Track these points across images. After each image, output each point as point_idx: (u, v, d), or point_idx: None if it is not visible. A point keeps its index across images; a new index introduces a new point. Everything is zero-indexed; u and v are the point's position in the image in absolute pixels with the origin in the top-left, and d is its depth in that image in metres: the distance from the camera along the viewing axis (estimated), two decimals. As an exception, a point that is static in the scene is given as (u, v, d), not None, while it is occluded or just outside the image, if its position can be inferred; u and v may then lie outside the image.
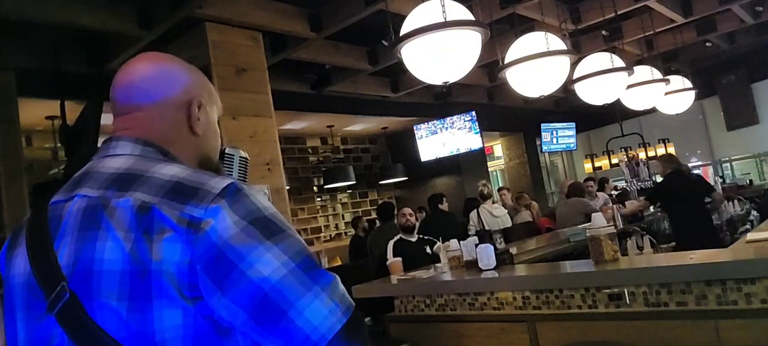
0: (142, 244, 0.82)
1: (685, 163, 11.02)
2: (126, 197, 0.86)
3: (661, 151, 9.78)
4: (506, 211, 6.96)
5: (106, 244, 0.84)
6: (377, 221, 7.51)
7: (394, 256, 4.27)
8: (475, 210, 6.79)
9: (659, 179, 6.33)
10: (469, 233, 6.71)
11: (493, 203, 6.98)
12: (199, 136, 1.04)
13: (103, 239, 0.84)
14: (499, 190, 8.13)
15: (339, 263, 7.55)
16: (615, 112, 7.54)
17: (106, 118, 5.89)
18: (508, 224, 6.74)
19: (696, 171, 11.36)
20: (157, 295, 0.82)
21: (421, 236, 4.67)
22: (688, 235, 4.99)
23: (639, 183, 8.21)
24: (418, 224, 5.34)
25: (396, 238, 4.53)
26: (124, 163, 0.93)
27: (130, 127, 1.00)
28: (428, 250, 4.50)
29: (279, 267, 0.82)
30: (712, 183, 6.32)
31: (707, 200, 5.48)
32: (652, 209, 6.17)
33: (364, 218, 8.16)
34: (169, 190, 0.86)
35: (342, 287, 0.89)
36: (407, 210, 4.76)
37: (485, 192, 6.82)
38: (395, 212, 6.08)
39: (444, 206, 6.50)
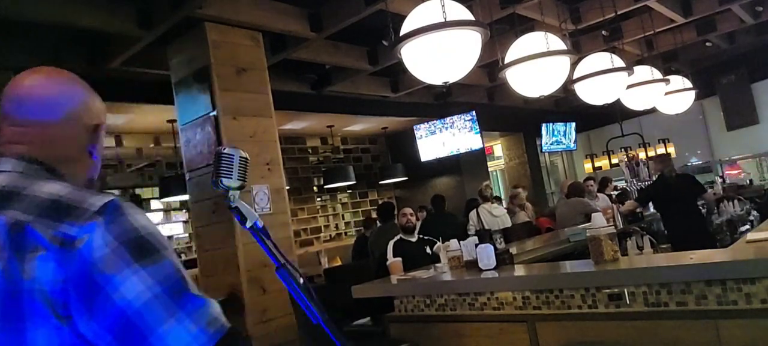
0: (13, 263, 0.81)
1: (685, 163, 11.07)
2: (0, 216, 0.85)
3: (661, 151, 9.79)
4: (505, 210, 6.97)
5: None
6: (377, 221, 7.51)
7: (394, 256, 4.27)
8: (475, 210, 6.80)
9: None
10: (469, 233, 6.72)
11: (493, 203, 6.98)
12: (96, 160, 1.03)
13: None
14: (514, 188, 8.11)
15: (339, 262, 7.55)
16: (615, 112, 7.55)
17: (106, 118, 5.85)
18: (509, 223, 6.75)
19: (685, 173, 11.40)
20: (30, 315, 0.80)
21: (421, 236, 4.67)
22: (680, 235, 4.99)
23: (639, 183, 8.22)
24: (419, 224, 5.34)
25: (396, 238, 4.53)
26: (4, 180, 0.91)
27: (19, 142, 0.97)
28: (428, 250, 4.50)
29: (143, 291, 0.81)
30: (713, 183, 6.32)
31: (700, 201, 5.48)
32: (651, 208, 6.17)
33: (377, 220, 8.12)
34: (45, 208, 0.85)
35: (213, 311, 0.87)
36: (408, 210, 4.75)
37: (487, 194, 6.83)
38: (396, 212, 6.09)
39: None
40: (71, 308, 0.80)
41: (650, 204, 6.00)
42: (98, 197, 0.87)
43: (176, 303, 0.83)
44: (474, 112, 8.93)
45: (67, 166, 0.98)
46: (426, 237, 4.69)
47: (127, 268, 0.81)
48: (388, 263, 4.22)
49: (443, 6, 3.05)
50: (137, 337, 0.80)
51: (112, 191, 7.90)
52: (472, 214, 6.85)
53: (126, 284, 0.80)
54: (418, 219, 5.51)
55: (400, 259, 4.06)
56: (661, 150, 9.81)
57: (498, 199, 8.01)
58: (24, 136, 0.97)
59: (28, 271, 0.80)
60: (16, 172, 0.93)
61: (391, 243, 4.44)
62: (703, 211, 5.54)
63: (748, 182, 8.55)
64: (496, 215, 6.65)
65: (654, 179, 5.66)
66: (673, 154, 10.00)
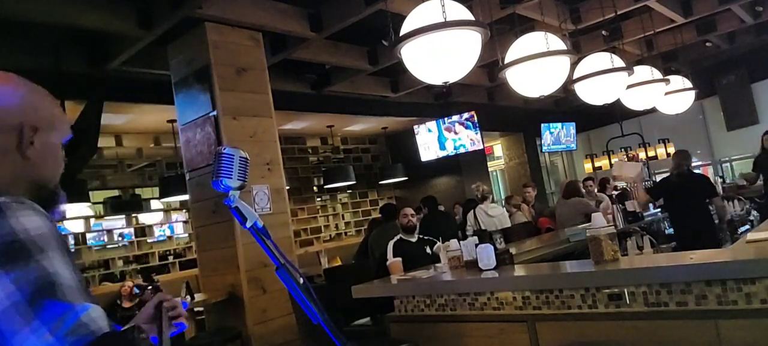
0: None
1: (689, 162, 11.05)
2: None
3: (660, 151, 9.79)
4: (504, 210, 6.94)
5: None
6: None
7: (395, 256, 4.26)
8: (472, 211, 6.78)
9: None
10: (467, 234, 6.71)
11: (492, 202, 6.95)
12: (30, 160, 1.00)
13: None
14: (524, 186, 8.07)
15: (339, 262, 7.55)
16: (615, 112, 7.55)
17: (106, 118, 5.90)
18: (507, 223, 6.73)
19: (697, 171, 11.40)
20: None
21: (421, 236, 4.66)
22: (688, 235, 4.97)
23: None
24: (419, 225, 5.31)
25: (396, 238, 4.52)
26: None
27: None
28: (428, 250, 4.50)
29: (2, 298, 0.79)
30: (712, 183, 6.27)
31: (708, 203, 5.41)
32: (652, 208, 6.17)
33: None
34: None
35: (84, 317, 0.82)
36: (408, 210, 4.75)
37: (478, 196, 6.79)
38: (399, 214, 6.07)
39: (441, 207, 6.51)
40: None
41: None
42: None
43: (34, 311, 0.79)
44: (474, 112, 8.93)
45: None
46: (426, 237, 4.69)
47: None
48: (388, 263, 4.22)
49: (443, 6, 3.05)
50: None
51: (113, 190, 7.95)
52: (469, 215, 6.85)
53: None
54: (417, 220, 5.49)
55: (400, 259, 4.06)
56: (661, 150, 9.82)
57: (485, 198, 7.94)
58: None
59: None
60: None
61: (391, 243, 4.43)
62: (713, 213, 5.46)
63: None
64: (492, 214, 6.62)
65: (673, 173, 5.52)
66: (673, 154, 10.01)
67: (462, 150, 9.07)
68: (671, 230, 5.91)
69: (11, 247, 0.82)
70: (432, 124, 9.26)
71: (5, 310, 0.78)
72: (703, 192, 5.31)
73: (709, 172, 11.10)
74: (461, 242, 3.36)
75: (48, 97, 1.08)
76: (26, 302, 0.79)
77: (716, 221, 5.37)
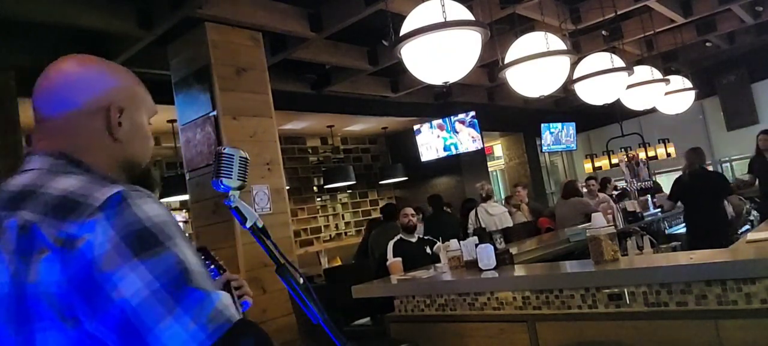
0: (21, 265, 0.81)
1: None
2: (13, 218, 0.84)
3: (660, 151, 9.79)
4: (505, 209, 6.95)
5: None
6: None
7: (395, 256, 4.27)
8: (474, 210, 6.79)
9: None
10: (468, 232, 6.71)
11: (490, 202, 6.94)
12: (121, 142, 1.00)
13: None
14: (515, 186, 8.09)
15: (339, 262, 7.55)
16: (615, 112, 7.54)
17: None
18: (507, 222, 6.73)
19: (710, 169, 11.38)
20: (37, 317, 0.80)
21: (421, 236, 4.67)
22: (699, 233, 4.86)
23: (639, 183, 8.21)
24: (422, 226, 5.32)
25: (396, 238, 4.53)
26: (28, 179, 0.90)
27: (45, 138, 0.97)
28: (428, 250, 4.51)
29: (141, 288, 0.78)
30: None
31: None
32: (652, 208, 6.17)
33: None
34: (53, 207, 0.83)
35: (219, 304, 0.83)
36: (409, 210, 4.75)
37: (483, 195, 6.81)
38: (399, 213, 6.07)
39: (448, 209, 6.51)
40: (77, 310, 0.79)
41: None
42: (105, 189, 0.84)
43: (175, 299, 0.79)
44: (474, 112, 8.93)
45: (89, 155, 0.96)
46: (426, 237, 4.69)
47: (126, 264, 0.79)
48: (388, 263, 4.22)
49: (443, 6, 3.05)
50: (136, 337, 0.78)
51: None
52: (471, 214, 6.85)
53: (124, 281, 0.78)
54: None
55: (400, 259, 4.06)
56: (661, 150, 9.81)
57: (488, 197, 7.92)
58: (47, 131, 0.97)
59: (34, 274, 0.79)
60: (42, 169, 0.92)
61: (391, 243, 4.44)
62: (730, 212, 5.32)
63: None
64: (492, 213, 6.63)
65: (685, 172, 5.41)
66: (674, 154, 10.00)
67: (462, 150, 9.07)
68: (671, 230, 5.91)
69: (141, 235, 0.81)
70: (432, 124, 9.27)
71: (145, 299, 0.78)
72: (717, 190, 5.17)
73: (709, 172, 11.10)
74: (461, 242, 3.37)
75: (129, 74, 1.08)
76: (166, 290, 0.79)
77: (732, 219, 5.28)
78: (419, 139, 9.43)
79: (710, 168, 10.78)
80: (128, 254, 0.79)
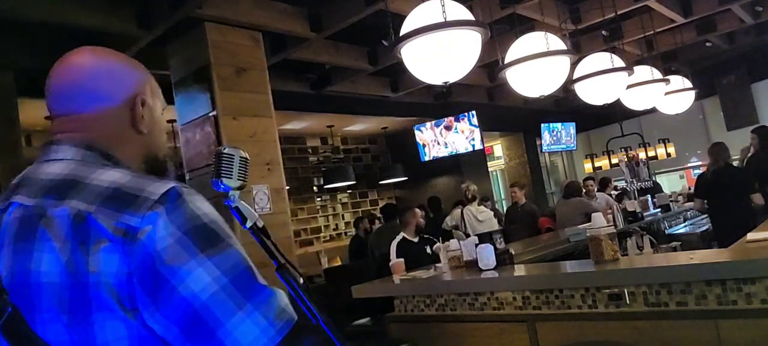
0: (78, 255, 0.79)
1: (685, 163, 11.06)
2: (63, 206, 0.83)
3: (660, 151, 9.79)
4: (492, 214, 6.86)
5: (43, 256, 0.81)
6: (377, 222, 7.51)
7: (398, 256, 4.25)
8: (460, 208, 6.74)
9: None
10: (446, 226, 6.68)
11: (479, 205, 6.84)
12: (145, 134, 1.00)
13: (40, 250, 0.81)
14: (511, 186, 8.04)
15: (339, 262, 7.55)
16: (615, 112, 7.54)
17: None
18: (495, 228, 6.66)
19: (697, 171, 11.38)
20: (97, 307, 0.79)
21: (421, 236, 4.67)
22: (723, 231, 4.71)
23: (639, 183, 8.21)
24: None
25: (399, 239, 4.52)
26: (64, 169, 0.89)
27: (71, 129, 0.95)
28: (428, 250, 4.51)
29: (210, 283, 0.79)
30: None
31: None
32: (652, 209, 6.16)
33: (366, 219, 8.17)
34: (106, 198, 0.83)
35: (281, 302, 0.85)
36: (419, 212, 4.77)
37: (468, 196, 6.74)
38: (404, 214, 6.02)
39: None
40: (137, 301, 0.79)
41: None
42: (159, 184, 0.85)
43: (244, 295, 0.80)
44: (474, 112, 8.94)
45: (120, 149, 0.96)
46: (426, 236, 4.69)
47: (193, 259, 0.79)
48: (391, 263, 4.21)
49: (443, 6, 3.05)
50: (204, 331, 0.78)
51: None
52: (456, 211, 6.78)
53: (192, 276, 0.78)
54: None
55: (402, 260, 4.04)
56: (661, 150, 9.81)
57: (485, 199, 7.85)
58: (73, 122, 0.96)
59: (93, 263, 0.79)
60: (75, 160, 0.91)
61: (394, 243, 4.43)
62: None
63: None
64: (481, 219, 6.55)
65: (710, 168, 5.29)
66: (673, 154, 10.00)
67: (462, 150, 9.08)
68: (671, 230, 5.91)
69: (205, 231, 0.82)
70: (432, 124, 9.27)
71: (215, 294, 0.78)
72: (741, 186, 5.04)
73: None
74: (461, 242, 3.36)
75: (143, 66, 1.07)
76: (234, 286, 0.80)
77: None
78: (419, 139, 9.43)
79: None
80: (194, 250, 0.80)
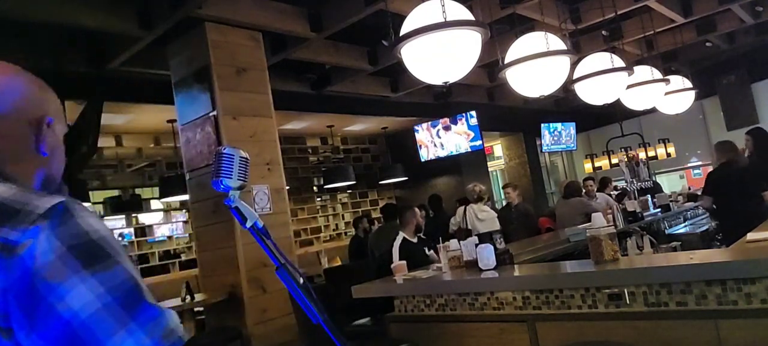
0: None
1: (685, 163, 11.06)
2: None
3: (660, 151, 9.79)
4: (495, 215, 6.86)
5: None
6: (378, 222, 7.52)
7: (400, 257, 4.24)
8: (463, 207, 6.75)
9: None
10: (451, 227, 6.69)
11: (481, 204, 6.84)
12: (46, 156, 0.96)
13: None
14: (504, 187, 8.03)
15: (339, 262, 7.55)
16: (615, 112, 7.54)
17: (106, 118, 5.89)
18: (495, 227, 6.65)
19: (696, 172, 11.38)
20: None
21: (420, 236, 4.66)
22: (731, 228, 4.65)
23: (639, 183, 8.21)
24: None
25: (400, 240, 4.48)
26: None
27: None
28: (426, 250, 4.50)
29: (92, 301, 0.74)
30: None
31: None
32: (653, 209, 6.15)
33: (365, 219, 8.17)
34: None
35: (171, 322, 0.81)
36: (418, 211, 4.76)
37: (475, 195, 6.75)
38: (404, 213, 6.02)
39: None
40: (12, 320, 0.75)
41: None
42: (46, 199, 0.80)
43: (129, 313, 0.76)
44: (474, 112, 8.94)
45: (16, 167, 0.91)
46: (424, 236, 4.69)
47: (75, 275, 0.75)
48: (393, 265, 4.20)
49: (443, 6, 3.05)
50: None
51: (113, 190, 7.95)
52: (460, 209, 6.80)
53: (72, 293, 0.74)
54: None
55: (404, 262, 4.03)
56: (661, 150, 9.81)
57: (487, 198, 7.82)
58: None
59: None
60: None
61: (396, 244, 4.41)
62: None
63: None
64: (481, 218, 6.55)
65: (716, 166, 5.21)
66: (673, 154, 10.00)
67: (462, 150, 9.08)
68: (671, 230, 5.90)
69: (90, 247, 0.78)
70: (432, 124, 9.28)
71: (97, 312, 0.75)
72: (748, 183, 4.97)
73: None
74: (461, 242, 3.36)
75: (48, 87, 1.04)
76: (119, 304, 0.76)
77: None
78: (419, 139, 9.43)
79: (710, 169, 10.84)
80: (77, 266, 0.76)
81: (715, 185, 5.19)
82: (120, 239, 8.27)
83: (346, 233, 10.15)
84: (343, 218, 10.39)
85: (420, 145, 9.41)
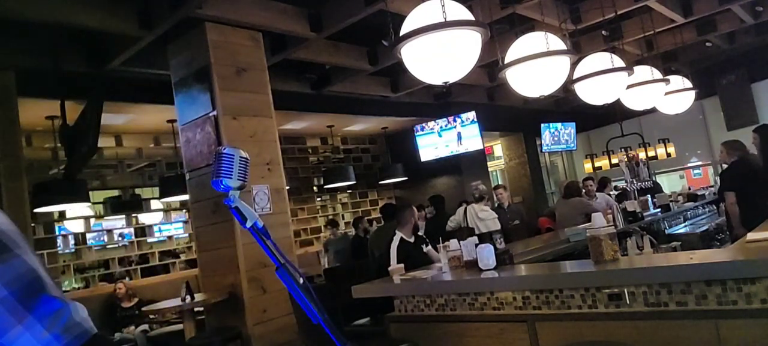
0: None
1: (685, 163, 11.06)
2: None
3: (660, 151, 9.79)
4: (495, 215, 6.87)
5: None
6: (378, 222, 7.52)
7: (398, 258, 4.23)
8: (464, 206, 6.76)
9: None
10: (449, 225, 6.70)
11: (481, 204, 6.86)
12: None
13: None
14: (496, 189, 8.04)
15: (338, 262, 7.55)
16: (615, 112, 7.54)
17: (106, 118, 5.89)
18: (495, 227, 6.66)
19: (696, 172, 11.38)
20: None
21: (416, 236, 4.64)
22: (757, 223, 4.63)
23: (639, 183, 8.21)
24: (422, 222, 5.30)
25: (398, 241, 4.45)
26: None
27: None
28: (424, 249, 4.49)
29: None
30: (712, 183, 6.17)
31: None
32: (653, 209, 6.15)
33: (365, 219, 8.18)
34: None
35: (76, 315, 0.78)
36: (417, 210, 4.75)
37: (476, 195, 6.76)
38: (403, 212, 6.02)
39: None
40: None
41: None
42: None
43: (26, 307, 0.73)
44: (474, 112, 8.94)
45: None
46: (420, 235, 4.68)
47: None
48: (390, 268, 4.19)
49: (443, 6, 3.05)
50: None
51: (113, 190, 7.95)
52: (460, 209, 6.80)
53: None
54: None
55: (402, 266, 4.01)
56: (661, 150, 9.81)
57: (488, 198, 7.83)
58: None
59: None
60: None
61: (394, 245, 4.39)
62: None
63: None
64: (481, 217, 6.55)
65: (727, 165, 5.19)
66: (673, 154, 10.00)
67: (462, 150, 9.08)
68: (671, 230, 5.90)
69: None
70: (432, 124, 9.27)
71: None
72: (758, 182, 4.93)
73: (709, 172, 11.10)
74: (461, 242, 3.36)
75: None
76: (16, 298, 0.73)
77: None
78: (419, 139, 9.43)
79: (710, 169, 10.86)
80: None
81: (735, 180, 5.14)
82: (120, 238, 8.28)
83: (346, 233, 10.16)
84: (343, 218, 10.39)
85: (426, 145, 9.41)
